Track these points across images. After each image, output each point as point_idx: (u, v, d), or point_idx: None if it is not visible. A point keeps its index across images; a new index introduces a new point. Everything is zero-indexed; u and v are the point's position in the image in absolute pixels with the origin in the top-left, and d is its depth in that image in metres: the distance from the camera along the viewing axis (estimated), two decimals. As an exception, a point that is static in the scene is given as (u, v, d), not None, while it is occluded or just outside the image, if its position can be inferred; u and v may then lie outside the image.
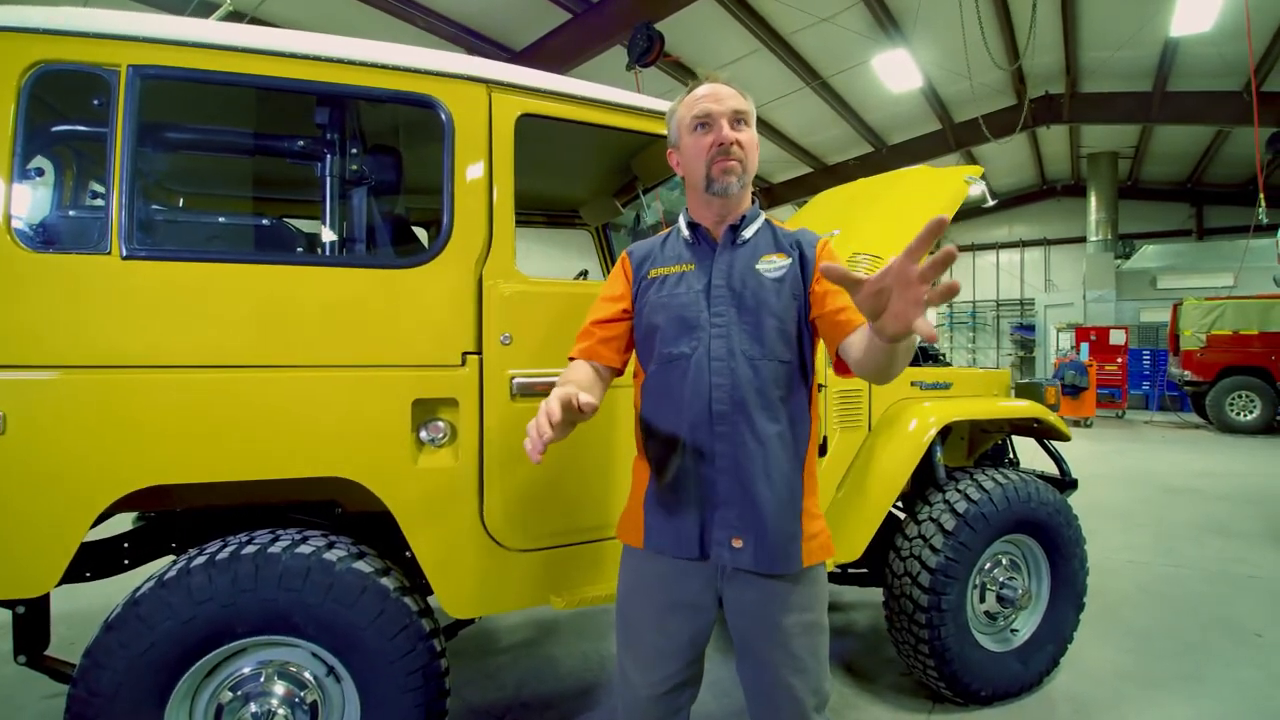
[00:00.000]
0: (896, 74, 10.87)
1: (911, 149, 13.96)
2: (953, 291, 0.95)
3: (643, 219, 3.06)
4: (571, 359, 1.52)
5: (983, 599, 2.56)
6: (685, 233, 1.51)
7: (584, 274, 3.37)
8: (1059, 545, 2.65)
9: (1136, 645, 3.14)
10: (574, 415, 1.17)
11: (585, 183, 3.13)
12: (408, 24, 8.42)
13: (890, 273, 0.98)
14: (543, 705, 2.63)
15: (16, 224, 1.55)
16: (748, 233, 1.46)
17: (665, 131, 2.12)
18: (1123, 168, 16.83)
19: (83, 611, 2.90)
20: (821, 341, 1.46)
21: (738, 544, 1.37)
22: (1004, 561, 2.61)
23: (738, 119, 1.42)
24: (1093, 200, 16.47)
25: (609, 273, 3.55)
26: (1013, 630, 2.65)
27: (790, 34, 9.84)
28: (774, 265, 1.42)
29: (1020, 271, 21.14)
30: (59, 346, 1.55)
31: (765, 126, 12.39)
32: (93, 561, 2.11)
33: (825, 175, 15.05)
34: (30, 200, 1.66)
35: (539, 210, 3.50)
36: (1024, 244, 20.97)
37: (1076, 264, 18.64)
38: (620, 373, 1.55)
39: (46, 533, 1.55)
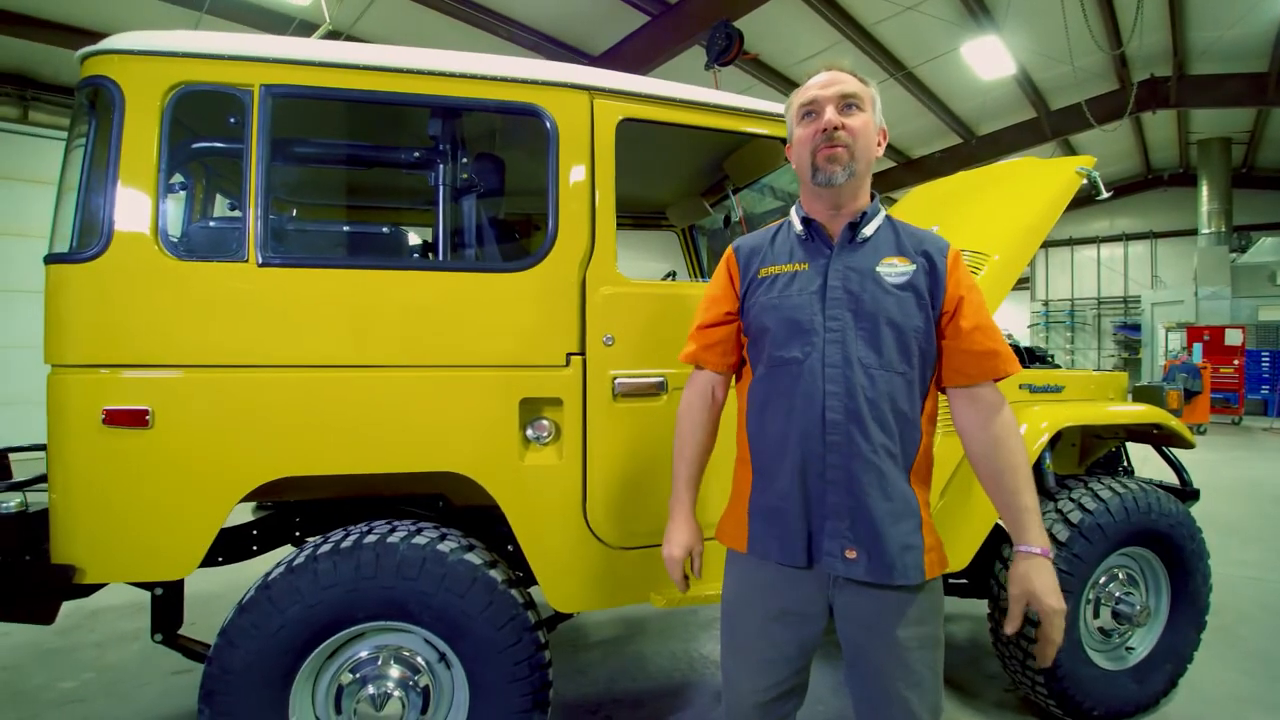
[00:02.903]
0: (987, 61, 10.39)
1: (1003, 139, 13.35)
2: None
3: (731, 219, 3.05)
4: (682, 360, 1.54)
5: (1097, 614, 2.42)
6: (798, 227, 1.42)
7: (672, 275, 3.38)
8: (1181, 560, 2.49)
9: (1257, 667, 2.93)
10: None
11: (674, 184, 3.14)
12: (491, 35, 8.64)
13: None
14: (634, 702, 2.65)
15: (163, 235, 1.69)
16: (868, 230, 1.37)
17: (764, 131, 2.12)
18: (1236, 154, 15.68)
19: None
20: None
21: (851, 555, 1.31)
22: (1120, 576, 2.46)
23: (847, 103, 1.33)
24: (1204, 190, 15.42)
25: (692, 273, 3.59)
26: (1128, 648, 2.51)
27: (873, 25, 9.58)
28: (895, 270, 1.34)
29: (1124, 267, 19.92)
30: (201, 347, 1.67)
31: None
32: (224, 548, 2.26)
33: (909, 170, 14.57)
34: (171, 213, 1.79)
35: (626, 212, 3.53)
36: (1127, 237, 19.77)
37: (1186, 258, 17.43)
38: (732, 371, 1.53)
39: (190, 519, 1.67)
